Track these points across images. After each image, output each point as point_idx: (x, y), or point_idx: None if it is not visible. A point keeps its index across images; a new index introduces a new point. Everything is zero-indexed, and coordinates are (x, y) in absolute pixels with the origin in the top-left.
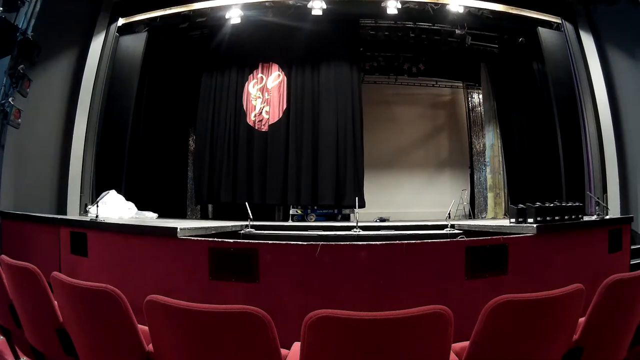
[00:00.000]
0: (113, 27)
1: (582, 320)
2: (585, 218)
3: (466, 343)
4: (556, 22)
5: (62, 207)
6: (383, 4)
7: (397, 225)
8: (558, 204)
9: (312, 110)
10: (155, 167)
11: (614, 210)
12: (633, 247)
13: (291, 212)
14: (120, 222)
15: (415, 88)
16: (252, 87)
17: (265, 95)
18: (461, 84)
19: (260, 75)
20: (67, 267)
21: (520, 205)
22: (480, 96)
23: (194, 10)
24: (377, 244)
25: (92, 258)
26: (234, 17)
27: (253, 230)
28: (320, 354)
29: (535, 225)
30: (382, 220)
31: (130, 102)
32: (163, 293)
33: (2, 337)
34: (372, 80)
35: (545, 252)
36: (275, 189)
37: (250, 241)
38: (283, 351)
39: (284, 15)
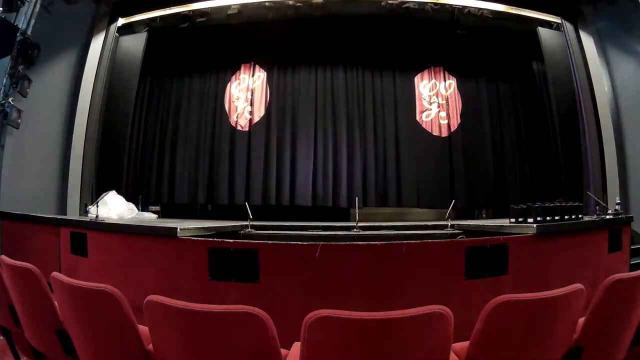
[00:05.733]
0: (113, 27)
1: (582, 320)
2: (586, 218)
3: (466, 343)
4: (556, 22)
5: (62, 207)
6: (383, 4)
7: (397, 225)
8: (558, 204)
9: (318, 111)
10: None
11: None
12: (633, 247)
13: None
14: (121, 223)
15: None
16: (253, 84)
17: (251, 94)
18: None
19: (258, 73)
20: (67, 267)
21: (521, 205)
22: None
23: (194, 10)
24: (377, 244)
25: (92, 258)
26: (232, 17)
27: (253, 230)
28: (320, 354)
29: (535, 225)
30: None
31: (130, 102)
32: (163, 293)
33: (2, 337)
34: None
35: (545, 252)
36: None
37: (250, 241)
38: (283, 351)
39: (284, 15)
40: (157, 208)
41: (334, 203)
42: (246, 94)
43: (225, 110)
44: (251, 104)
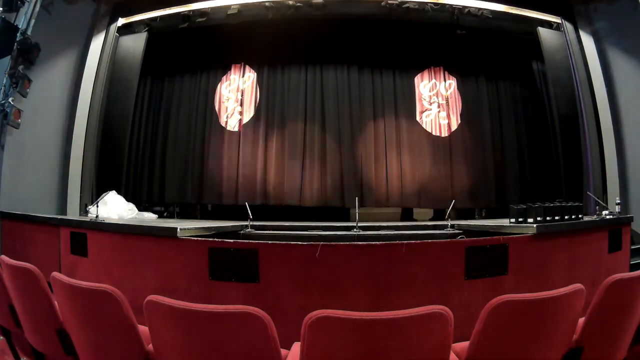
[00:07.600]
0: (113, 27)
1: (582, 320)
2: (586, 218)
3: (466, 343)
4: (556, 22)
5: (62, 207)
6: (383, 4)
7: (397, 225)
8: (559, 203)
9: (318, 112)
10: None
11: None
12: (633, 247)
13: None
14: (120, 222)
15: None
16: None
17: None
18: None
19: (248, 74)
20: (67, 267)
21: (521, 205)
22: None
23: (194, 10)
24: (377, 244)
25: (92, 258)
26: (231, 17)
27: (253, 230)
28: (320, 354)
29: (535, 225)
30: None
31: (130, 102)
32: (163, 293)
33: (2, 337)
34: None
35: (545, 252)
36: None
37: (250, 241)
38: (283, 351)
39: (283, 15)
40: (162, 208)
41: (325, 203)
42: (236, 95)
43: (215, 111)
44: (241, 104)
